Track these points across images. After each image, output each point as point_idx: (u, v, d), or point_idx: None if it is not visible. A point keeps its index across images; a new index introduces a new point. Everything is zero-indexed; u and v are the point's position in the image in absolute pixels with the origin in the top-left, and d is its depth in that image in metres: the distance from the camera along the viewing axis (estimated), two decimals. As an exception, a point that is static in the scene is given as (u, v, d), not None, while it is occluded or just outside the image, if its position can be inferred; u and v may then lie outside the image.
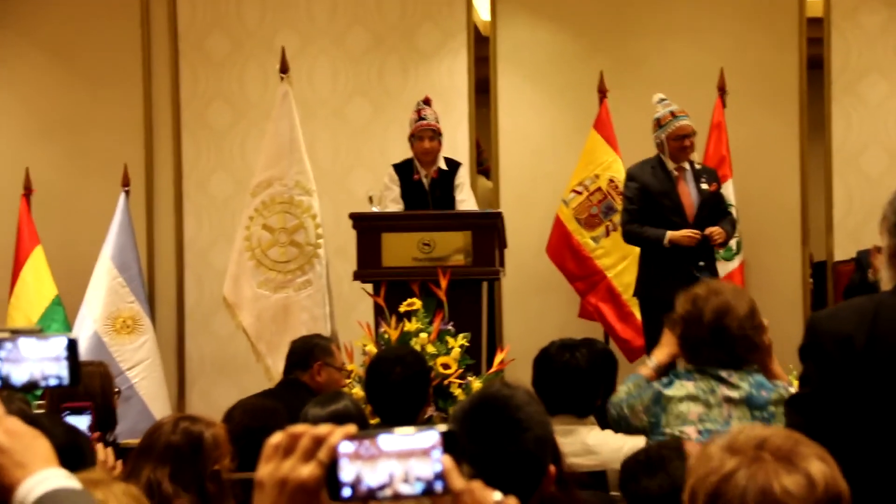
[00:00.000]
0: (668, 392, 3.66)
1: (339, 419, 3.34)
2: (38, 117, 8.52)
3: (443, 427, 1.51)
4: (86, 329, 7.39)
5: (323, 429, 1.51)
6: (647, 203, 6.97)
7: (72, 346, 1.76)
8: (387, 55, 8.40)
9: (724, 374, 3.62)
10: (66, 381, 1.76)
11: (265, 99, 8.27)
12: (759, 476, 1.68)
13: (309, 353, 5.63)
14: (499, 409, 2.42)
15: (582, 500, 2.93)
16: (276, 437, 1.53)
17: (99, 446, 3.42)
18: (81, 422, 3.50)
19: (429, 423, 5.54)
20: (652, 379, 3.89)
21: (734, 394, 3.60)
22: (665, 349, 3.84)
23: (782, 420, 3.50)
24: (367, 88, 8.40)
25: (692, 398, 3.63)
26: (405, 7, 8.40)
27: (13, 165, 8.19)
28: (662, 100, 7.11)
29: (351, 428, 1.52)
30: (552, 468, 2.41)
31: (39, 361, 1.75)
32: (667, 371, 3.91)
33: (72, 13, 8.50)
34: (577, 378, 4.07)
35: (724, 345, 3.58)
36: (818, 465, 1.70)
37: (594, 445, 4.01)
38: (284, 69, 7.39)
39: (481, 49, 8.42)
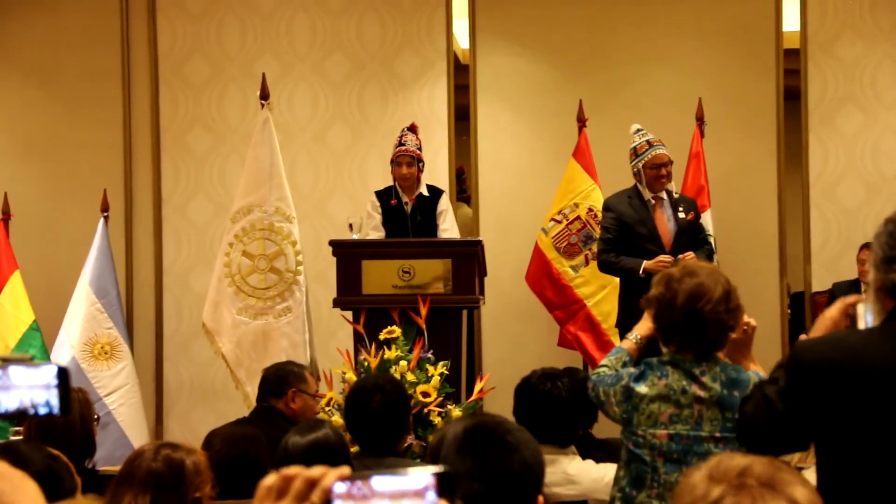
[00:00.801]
0: (640, 389, 3.60)
1: (319, 447, 3.33)
2: (18, 141, 8.49)
3: (437, 468, 1.51)
4: (63, 355, 7.35)
5: (316, 471, 1.51)
6: (623, 233, 7.00)
7: (62, 374, 1.75)
8: (366, 82, 8.42)
9: (696, 370, 3.57)
10: (56, 410, 1.75)
11: (245, 124, 8.28)
12: (745, 502, 1.69)
13: (283, 381, 5.63)
14: (489, 430, 2.43)
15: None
16: (270, 479, 1.52)
17: None
18: None
19: (408, 451, 5.54)
20: (633, 353, 3.86)
21: (705, 394, 3.55)
22: (646, 323, 3.77)
23: None
24: (346, 115, 8.41)
25: (663, 398, 3.58)
26: (385, 35, 8.43)
27: (-9, 189, 8.17)
28: (639, 130, 7.16)
29: (344, 469, 1.52)
30: (541, 499, 2.41)
31: (29, 389, 1.74)
32: (648, 345, 3.88)
33: (52, 37, 8.50)
34: (558, 408, 4.07)
35: (696, 329, 3.52)
36: (802, 491, 1.71)
37: (575, 475, 4.02)
38: (265, 95, 7.40)
39: (461, 77, 8.45)
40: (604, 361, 3.88)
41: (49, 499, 1.67)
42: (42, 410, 1.74)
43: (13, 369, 1.74)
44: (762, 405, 2.84)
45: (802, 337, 3.03)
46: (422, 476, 1.49)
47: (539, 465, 2.46)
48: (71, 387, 1.75)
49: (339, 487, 1.49)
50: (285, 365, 5.85)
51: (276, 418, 5.49)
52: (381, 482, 1.49)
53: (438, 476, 1.50)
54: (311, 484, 1.50)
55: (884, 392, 2.63)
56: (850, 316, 2.95)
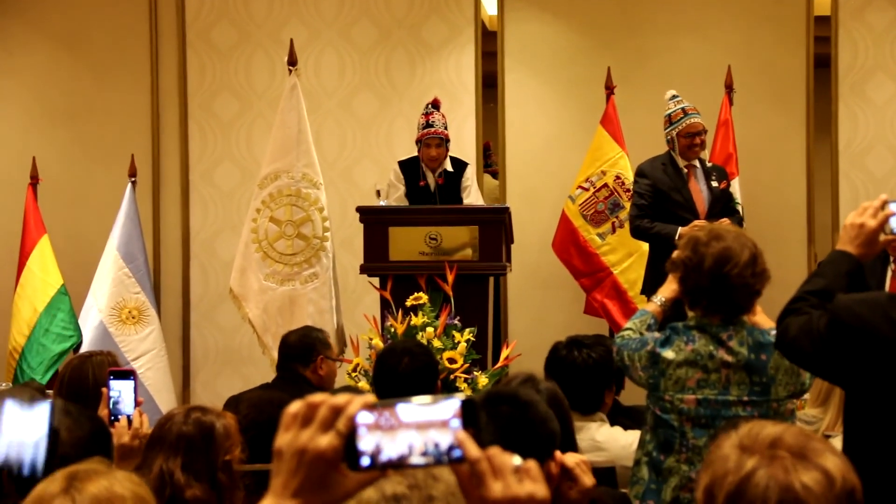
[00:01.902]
0: (666, 355, 3.60)
1: None
2: (46, 106, 8.52)
3: (461, 395, 1.52)
4: (91, 319, 7.40)
5: (341, 398, 1.52)
6: (658, 200, 6.98)
7: (53, 435, 1.68)
8: (393, 49, 8.40)
9: (723, 335, 3.56)
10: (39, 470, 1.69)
11: (272, 90, 8.28)
12: (779, 475, 1.70)
13: (310, 348, 5.62)
14: (504, 391, 2.48)
15: (594, 496, 2.94)
16: (295, 406, 1.53)
17: (136, 412, 3.45)
18: (126, 387, 3.53)
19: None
20: (658, 316, 3.85)
21: (733, 359, 3.55)
22: (671, 286, 3.76)
23: (782, 382, 3.52)
24: (373, 82, 8.40)
25: (690, 363, 3.58)
26: (412, 1, 8.40)
27: (20, 154, 8.20)
28: (674, 96, 7.12)
29: (369, 397, 1.52)
30: (557, 454, 2.44)
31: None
32: (673, 308, 3.87)
33: (79, 2, 8.50)
34: (583, 375, 4.06)
35: (723, 293, 3.51)
36: (833, 460, 1.72)
37: (603, 442, 4.02)
38: (293, 62, 7.38)
39: (488, 44, 8.42)
40: (628, 324, 3.87)
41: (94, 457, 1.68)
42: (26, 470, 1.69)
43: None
44: (806, 330, 2.84)
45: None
46: (447, 405, 1.50)
47: (552, 423, 2.49)
48: (57, 449, 1.68)
49: (365, 417, 1.50)
50: (310, 332, 5.84)
51: (302, 384, 5.49)
52: (407, 411, 1.50)
53: (463, 405, 1.50)
54: (337, 411, 1.51)
55: None
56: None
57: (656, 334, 3.71)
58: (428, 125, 7.12)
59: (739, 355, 3.55)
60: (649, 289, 6.99)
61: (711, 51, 8.15)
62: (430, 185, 7.17)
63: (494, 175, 8.49)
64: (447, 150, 7.18)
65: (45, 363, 7.31)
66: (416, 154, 7.24)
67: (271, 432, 4.11)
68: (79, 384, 4.32)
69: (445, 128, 7.16)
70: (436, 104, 7.23)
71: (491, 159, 8.53)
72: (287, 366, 5.67)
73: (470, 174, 7.29)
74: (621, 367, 3.80)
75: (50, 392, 4.94)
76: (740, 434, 1.79)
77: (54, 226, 7.86)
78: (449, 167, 7.20)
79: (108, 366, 4.34)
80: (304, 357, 5.61)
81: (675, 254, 3.64)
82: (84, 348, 7.16)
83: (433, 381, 4.30)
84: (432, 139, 7.10)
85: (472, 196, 7.21)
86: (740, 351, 3.55)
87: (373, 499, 1.63)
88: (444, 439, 1.49)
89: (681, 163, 7.05)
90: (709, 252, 3.50)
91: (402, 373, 4.14)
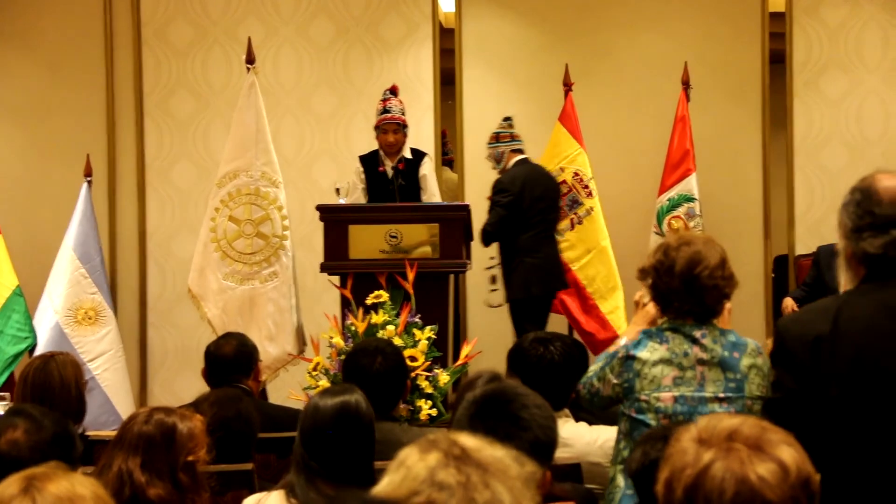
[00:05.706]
0: (640, 354, 3.61)
1: (347, 411, 3.32)
2: (0, 105, 8.42)
3: None
4: (47, 320, 7.33)
5: None
6: None
7: None
8: (351, 46, 8.38)
9: (697, 334, 3.59)
10: None
11: (229, 88, 8.24)
12: (734, 466, 1.73)
13: (250, 357, 5.21)
14: (506, 402, 2.46)
15: (561, 491, 2.95)
16: None
17: None
18: None
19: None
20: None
21: (707, 356, 3.58)
22: (636, 328, 3.79)
23: (754, 382, 3.56)
24: (331, 79, 8.38)
25: (665, 361, 3.59)
26: (369, -3, 8.40)
27: (-27, 154, 8.11)
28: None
29: None
30: (549, 474, 2.41)
31: None
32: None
33: (34, 0, 8.42)
34: (551, 372, 4.07)
35: (694, 295, 3.56)
36: (788, 451, 1.76)
37: (568, 438, 4.02)
38: (251, 60, 7.33)
39: (446, 41, 8.42)
40: (592, 367, 3.87)
41: (65, 462, 1.65)
42: None
43: None
44: (779, 398, 2.83)
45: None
46: None
47: (550, 444, 2.47)
48: None
49: None
50: (242, 340, 5.36)
51: (247, 393, 5.19)
52: None
53: None
54: None
55: (859, 353, 2.64)
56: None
57: (625, 341, 3.74)
58: (385, 111, 7.13)
59: (714, 352, 3.59)
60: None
61: (668, 46, 8.19)
62: (387, 172, 7.16)
63: (451, 164, 8.48)
64: (405, 136, 7.19)
65: (0, 365, 7.24)
66: (375, 148, 7.24)
67: (239, 426, 4.06)
68: (45, 385, 4.27)
69: (403, 113, 7.17)
70: (394, 90, 7.25)
71: (447, 147, 8.51)
72: (225, 378, 5.09)
73: (427, 165, 7.26)
74: (589, 399, 3.80)
75: (6, 395, 4.90)
76: (699, 427, 1.82)
77: (9, 226, 7.78)
78: (408, 154, 7.20)
79: (72, 366, 4.29)
80: (245, 368, 5.17)
81: (647, 260, 3.68)
82: (40, 349, 7.09)
83: (404, 381, 4.30)
84: (389, 125, 7.11)
85: (430, 189, 7.19)
86: (714, 348, 3.59)
87: (420, 475, 1.62)
88: None
89: None
90: (680, 255, 3.57)
91: (377, 373, 4.13)
